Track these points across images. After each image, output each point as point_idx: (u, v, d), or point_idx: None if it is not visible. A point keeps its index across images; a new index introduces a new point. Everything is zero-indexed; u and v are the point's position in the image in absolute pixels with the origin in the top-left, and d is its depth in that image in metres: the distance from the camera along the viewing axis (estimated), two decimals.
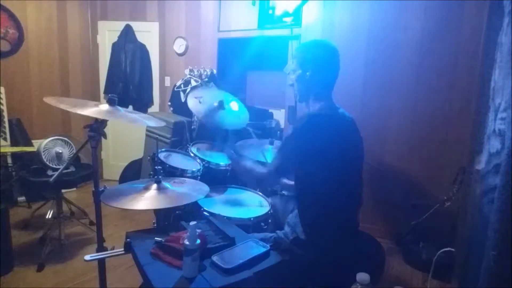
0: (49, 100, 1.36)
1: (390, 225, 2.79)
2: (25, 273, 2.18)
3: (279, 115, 3.63)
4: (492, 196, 1.04)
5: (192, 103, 1.92)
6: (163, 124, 1.59)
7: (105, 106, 1.41)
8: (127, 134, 3.99)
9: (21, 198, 3.30)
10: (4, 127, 3.18)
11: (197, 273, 1.01)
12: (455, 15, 2.47)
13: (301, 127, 1.33)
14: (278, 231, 1.46)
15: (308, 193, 1.37)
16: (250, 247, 1.15)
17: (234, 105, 2.02)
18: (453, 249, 1.69)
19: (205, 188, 1.55)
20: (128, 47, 3.85)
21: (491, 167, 1.10)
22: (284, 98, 3.33)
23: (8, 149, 3.10)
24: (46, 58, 3.65)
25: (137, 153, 3.58)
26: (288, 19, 3.15)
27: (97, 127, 1.34)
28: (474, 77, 2.32)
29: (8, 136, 3.20)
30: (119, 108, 1.45)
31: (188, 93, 2.15)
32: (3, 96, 3.22)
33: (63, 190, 2.74)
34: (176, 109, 3.63)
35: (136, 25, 3.89)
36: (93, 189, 1.35)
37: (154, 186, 1.43)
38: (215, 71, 3.61)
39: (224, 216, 1.55)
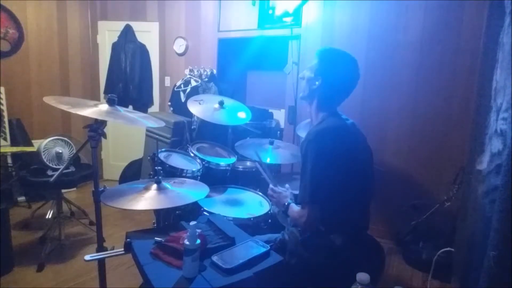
0: (49, 100, 1.36)
1: (390, 225, 2.78)
2: (25, 273, 2.18)
3: (279, 115, 3.63)
4: (494, 196, 1.04)
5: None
6: (162, 124, 1.59)
7: (104, 106, 1.41)
8: (127, 134, 3.99)
9: (21, 198, 3.30)
10: (4, 127, 3.18)
11: (197, 273, 1.01)
12: (455, 15, 2.47)
13: (318, 147, 1.26)
14: (284, 232, 1.45)
15: (326, 202, 1.33)
16: (250, 247, 1.15)
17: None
18: (453, 249, 1.69)
19: (205, 188, 1.55)
20: (128, 47, 3.85)
21: (493, 167, 1.10)
22: (284, 98, 3.33)
23: (8, 149, 3.10)
24: (46, 58, 3.65)
25: (137, 153, 3.58)
26: (288, 19, 3.14)
27: (97, 127, 1.34)
28: (474, 77, 2.32)
29: (8, 136, 3.19)
30: (119, 108, 1.45)
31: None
32: (3, 96, 3.22)
33: (63, 190, 2.74)
34: (176, 109, 3.63)
35: (136, 25, 3.89)
36: (93, 189, 1.35)
37: (154, 186, 1.44)
38: (215, 71, 3.61)
39: (224, 216, 1.55)
